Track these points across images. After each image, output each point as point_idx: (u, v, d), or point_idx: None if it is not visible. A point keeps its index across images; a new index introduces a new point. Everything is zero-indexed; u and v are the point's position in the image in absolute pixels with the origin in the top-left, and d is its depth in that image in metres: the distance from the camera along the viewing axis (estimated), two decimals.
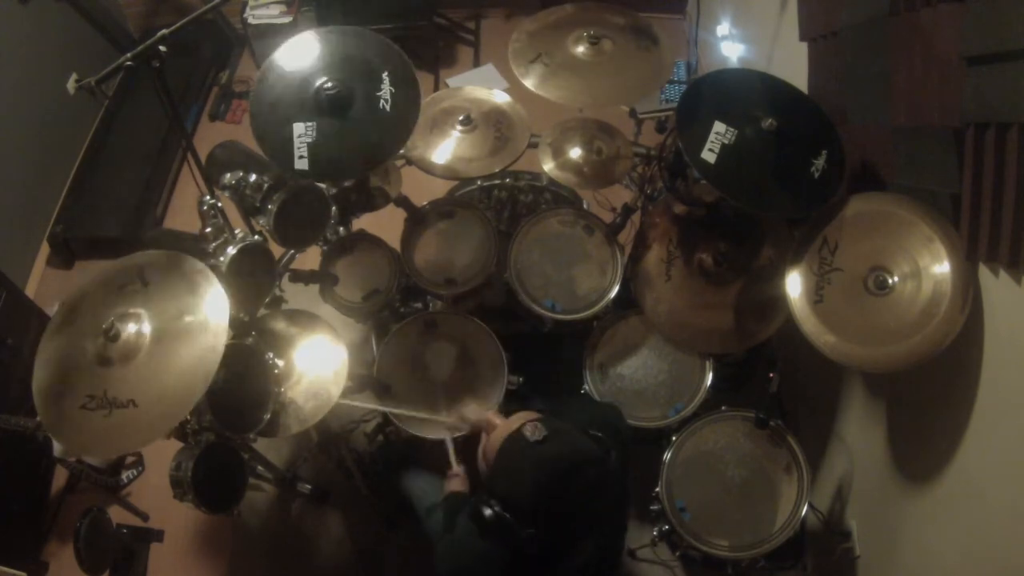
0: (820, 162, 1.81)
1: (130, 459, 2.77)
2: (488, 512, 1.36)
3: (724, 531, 2.02)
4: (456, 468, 1.93)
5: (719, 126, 1.79)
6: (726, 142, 1.78)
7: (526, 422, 1.40)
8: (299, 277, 2.21)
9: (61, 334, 1.64)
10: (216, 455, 1.80)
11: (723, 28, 3.23)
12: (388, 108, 1.87)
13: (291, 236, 2.04)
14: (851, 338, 1.70)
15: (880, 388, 2.10)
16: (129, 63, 1.81)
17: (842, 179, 1.84)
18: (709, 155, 1.76)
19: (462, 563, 1.51)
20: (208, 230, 1.85)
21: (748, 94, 1.90)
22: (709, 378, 2.16)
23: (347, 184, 2.23)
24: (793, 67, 2.30)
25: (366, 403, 2.18)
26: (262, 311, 2.08)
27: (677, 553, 2.20)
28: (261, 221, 1.96)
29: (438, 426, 2.04)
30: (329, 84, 1.85)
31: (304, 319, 2.11)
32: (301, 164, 1.81)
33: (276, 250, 2.11)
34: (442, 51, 4.26)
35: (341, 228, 2.36)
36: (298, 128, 1.83)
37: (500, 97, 2.41)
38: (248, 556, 2.61)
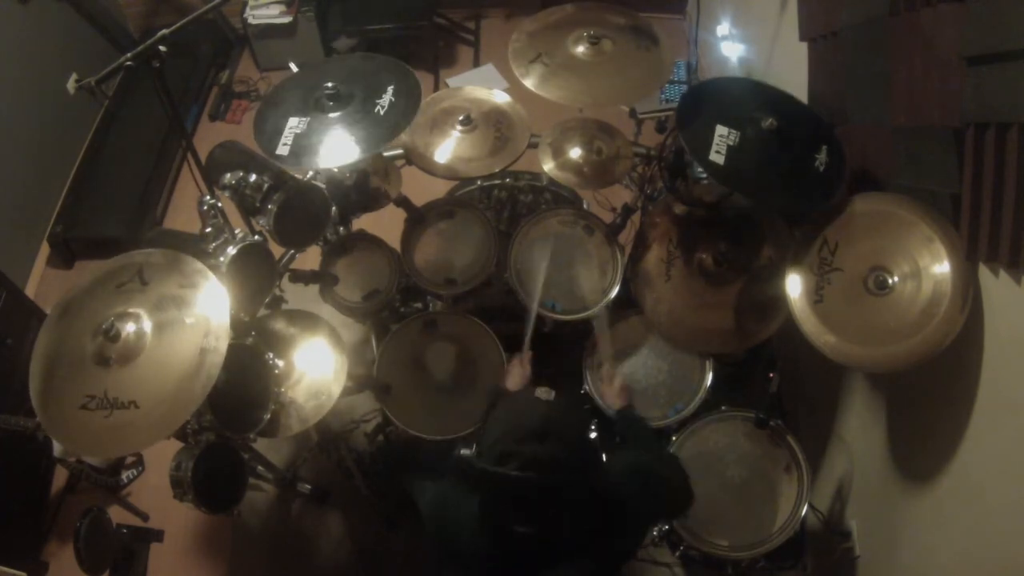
0: (822, 156, 1.81)
1: (130, 459, 2.77)
2: (465, 453, 1.34)
3: (724, 531, 2.02)
4: (526, 354, 1.90)
5: (721, 129, 1.78)
6: (731, 144, 1.77)
7: (546, 388, 1.41)
8: (299, 277, 2.21)
9: (57, 333, 1.63)
10: (216, 455, 1.80)
11: (723, 28, 3.23)
12: (382, 114, 1.90)
13: (291, 236, 2.04)
14: (851, 338, 1.70)
15: (880, 388, 2.10)
16: (129, 63, 1.81)
17: (844, 170, 1.85)
18: (717, 157, 1.76)
19: (447, 512, 1.47)
20: (208, 230, 1.85)
21: (744, 98, 1.90)
22: (709, 378, 2.16)
23: (347, 183, 2.24)
24: (793, 67, 2.30)
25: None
26: (262, 311, 2.08)
27: (677, 553, 2.20)
28: (261, 221, 1.97)
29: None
30: (329, 84, 1.91)
31: (304, 319, 2.11)
32: (282, 150, 1.86)
33: (276, 250, 2.11)
34: (442, 51, 4.26)
35: (341, 228, 2.36)
36: (292, 121, 1.90)
37: (500, 97, 2.41)
38: (248, 556, 2.61)
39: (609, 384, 2.06)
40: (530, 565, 1.36)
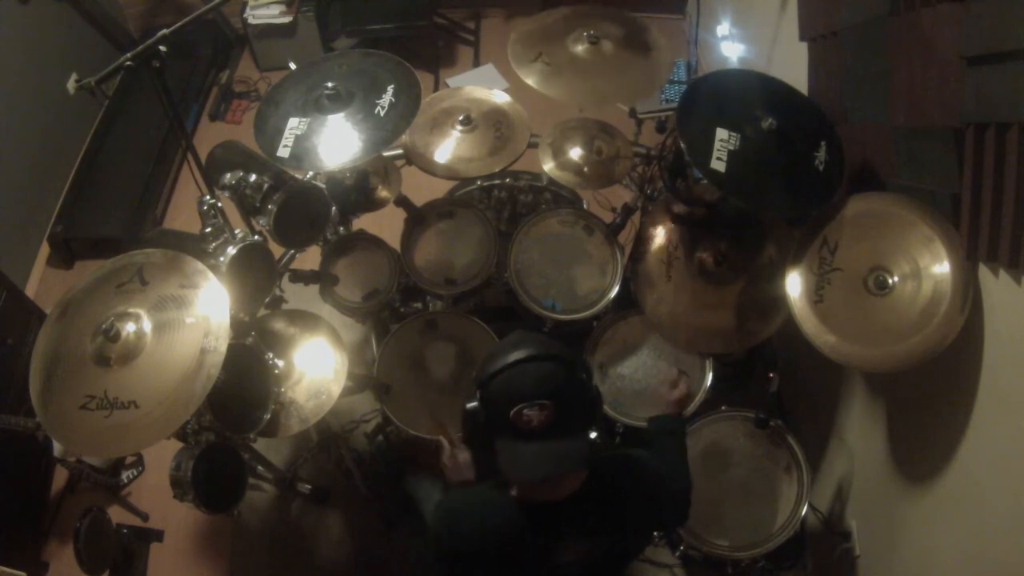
0: (821, 154, 1.81)
1: (130, 459, 2.77)
2: (471, 405, 1.35)
3: (724, 531, 2.02)
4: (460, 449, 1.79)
5: (721, 133, 1.78)
6: (732, 148, 1.77)
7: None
8: (299, 277, 2.21)
9: (57, 333, 1.63)
10: (216, 455, 1.80)
11: (723, 28, 3.23)
12: (382, 115, 1.90)
13: (291, 236, 2.04)
14: (851, 338, 1.70)
15: (880, 388, 2.10)
16: (129, 63, 1.81)
17: (843, 167, 1.84)
18: (719, 164, 1.75)
19: (456, 510, 1.49)
20: (208, 230, 1.85)
21: (742, 95, 1.90)
22: (709, 378, 2.16)
23: (347, 183, 2.24)
24: (793, 67, 2.30)
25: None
26: (262, 311, 2.08)
27: (677, 553, 2.21)
28: (261, 221, 1.97)
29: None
30: (329, 84, 1.91)
31: (304, 319, 2.11)
32: (283, 152, 1.86)
33: (276, 250, 2.11)
34: (442, 51, 4.26)
35: (341, 228, 2.36)
36: (292, 121, 1.90)
37: (500, 97, 2.41)
38: (248, 556, 2.61)
39: (670, 387, 1.90)
40: (543, 542, 1.38)
